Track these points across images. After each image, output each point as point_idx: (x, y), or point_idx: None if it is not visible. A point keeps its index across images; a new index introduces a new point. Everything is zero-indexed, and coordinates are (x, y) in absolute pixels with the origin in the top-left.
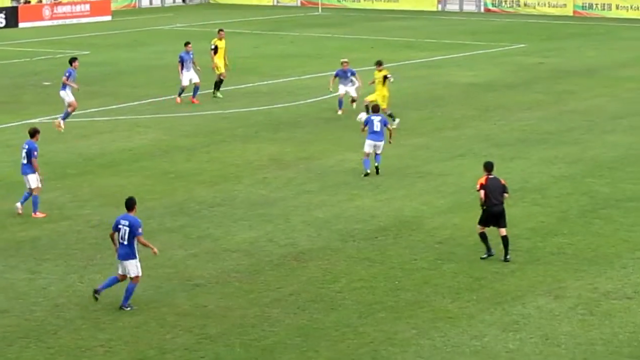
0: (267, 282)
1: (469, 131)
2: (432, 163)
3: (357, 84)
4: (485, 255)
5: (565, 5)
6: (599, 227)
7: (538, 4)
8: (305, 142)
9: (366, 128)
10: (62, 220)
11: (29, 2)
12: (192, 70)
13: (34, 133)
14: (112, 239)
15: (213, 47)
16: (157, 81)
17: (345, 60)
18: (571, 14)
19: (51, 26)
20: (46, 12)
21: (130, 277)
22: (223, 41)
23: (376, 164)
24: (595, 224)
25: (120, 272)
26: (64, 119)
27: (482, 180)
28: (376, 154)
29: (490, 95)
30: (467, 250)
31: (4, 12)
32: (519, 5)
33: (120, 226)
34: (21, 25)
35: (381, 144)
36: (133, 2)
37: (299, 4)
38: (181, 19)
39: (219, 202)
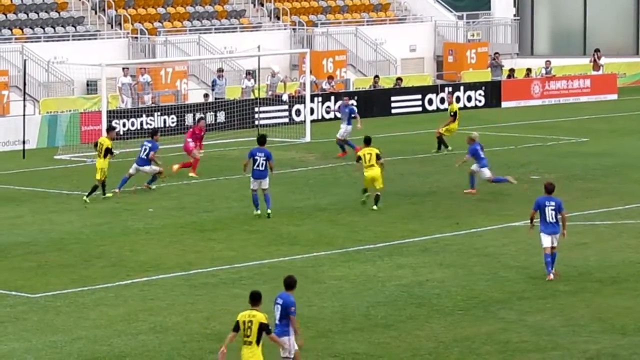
0: None
1: None
2: None
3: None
4: None
5: None
6: None
7: None
8: None
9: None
10: (553, 349)
11: (513, 75)
12: None
13: None
14: None
15: None
16: None
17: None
18: None
19: (541, 105)
20: (536, 88)
21: None
22: None
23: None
24: None
25: None
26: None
27: None
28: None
29: None
30: None
31: (483, 87)
32: None
33: None
34: (504, 104)
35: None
36: None
37: None
38: None
39: None
